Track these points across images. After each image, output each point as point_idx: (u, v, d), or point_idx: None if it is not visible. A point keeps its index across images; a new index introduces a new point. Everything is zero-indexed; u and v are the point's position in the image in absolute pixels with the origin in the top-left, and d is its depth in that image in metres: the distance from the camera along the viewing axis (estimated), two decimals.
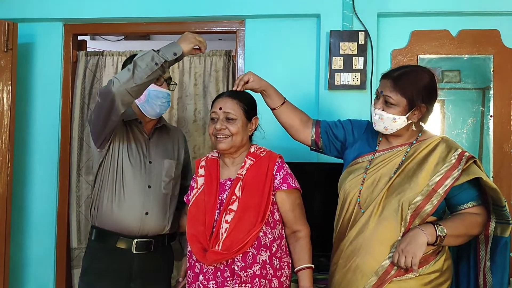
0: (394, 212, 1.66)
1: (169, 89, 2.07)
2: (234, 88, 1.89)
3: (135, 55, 2.12)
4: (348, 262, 1.72)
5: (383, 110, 1.72)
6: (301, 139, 2.00)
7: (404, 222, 1.65)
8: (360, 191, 1.76)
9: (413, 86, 1.69)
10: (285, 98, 1.99)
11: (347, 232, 1.75)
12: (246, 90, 1.91)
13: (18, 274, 2.91)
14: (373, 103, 1.79)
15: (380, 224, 1.68)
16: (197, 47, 1.89)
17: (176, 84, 2.17)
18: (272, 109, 1.98)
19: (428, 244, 1.60)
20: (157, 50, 1.79)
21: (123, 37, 4.33)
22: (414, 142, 1.77)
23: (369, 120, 2.58)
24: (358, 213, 1.74)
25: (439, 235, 1.60)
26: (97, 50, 3.28)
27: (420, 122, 1.77)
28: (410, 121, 1.73)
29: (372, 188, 1.74)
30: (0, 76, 2.66)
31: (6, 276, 2.67)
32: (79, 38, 3.08)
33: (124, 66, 2.09)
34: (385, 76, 1.76)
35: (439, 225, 1.62)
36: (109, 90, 1.79)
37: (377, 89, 1.79)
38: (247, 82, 1.89)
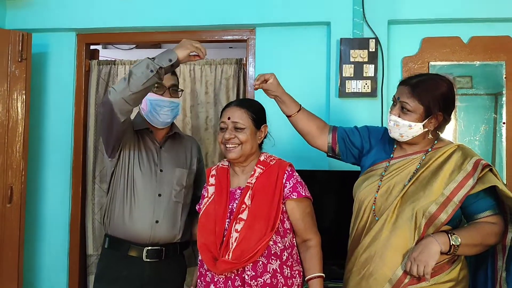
0: (408, 220, 1.64)
1: (174, 97, 2.06)
2: (254, 83, 1.89)
3: None
4: (362, 269, 1.71)
5: (399, 117, 1.70)
6: (318, 146, 1.99)
7: (418, 231, 1.63)
8: (375, 198, 1.74)
9: (431, 94, 1.67)
10: (300, 105, 1.97)
11: (362, 239, 1.74)
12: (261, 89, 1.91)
13: (32, 281, 2.93)
14: (389, 109, 1.78)
15: (394, 232, 1.66)
16: (194, 53, 1.86)
17: (182, 90, 2.17)
18: (288, 116, 1.97)
19: (442, 253, 1.58)
20: (153, 58, 1.79)
21: (134, 46, 4.37)
22: (430, 149, 1.74)
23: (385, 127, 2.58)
24: (372, 221, 1.73)
25: (452, 244, 1.57)
26: (109, 59, 3.31)
27: (437, 131, 1.76)
28: (426, 129, 1.71)
29: (386, 195, 1.72)
30: (14, 85, 2.71)
31: (20, 282, 2.69)
32: (92, 47, 3.12)
33: None
34: (403, 83, 1.75)
35: (453, 234, 1.59)
36: (107, 100, 1.81)
37: (394, 96, 1.77)
38: (266, 81, 1.88)
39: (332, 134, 1.95)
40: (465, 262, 1.73)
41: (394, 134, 1.75)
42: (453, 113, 1.77)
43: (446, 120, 1.73)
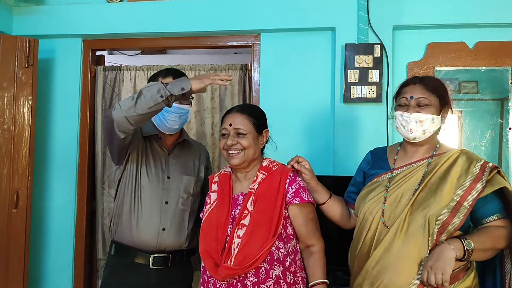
0: (421, 228, 1.62)
1: (184, 104, 2.04)
2: (289, 162, 1.90)
3: (161, 71, 2.11)
4: (375, 282, 1.66)
5: (420, 113, 1.69)
6: (352, 226, 1.93)
7: (431, 238, 1.61)
8: (383, 210, 1.72)
9: (439, 86, 1.72)
10: (331, 193, 1.95)
11: (372, 251, 1.70)
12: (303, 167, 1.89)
13: (37, 285, 2.95)
14: (400, 112, 1.73)
15: (407, 241, 1.63)
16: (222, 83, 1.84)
17: (193, 97, 2.17)
18: (321, 205, 1.93)
19: (456, 259, 1.55)
20: (166, 83, 1.77)
21: (140, 51, 4.40)
22: (434, 154, 1.74)
23: (386, 132, 2.57)
24: (382, 232, 1.69)
25: (466, 249, 1.55)
26: (115, 64, 3.34)
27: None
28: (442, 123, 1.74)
29: (395, 204, 1.70)
30: (21, 91, 2.73)
31: (25, 287, 2.69)
32: (97, 53, 3.14)
33: (150, 81, 2.10)
34: (409, 83, 1.75)
35: (466, 239, 1.57)
36: (110, 115, 1.80)
37: (404, 97, 1.73)
38: (298, 162, 1.89)
39: (349, 206, 1.95)
40: (475, 270, 1.71)
41: (416, 133, 1.70)
42: (458, 118, 1.78)
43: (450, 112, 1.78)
